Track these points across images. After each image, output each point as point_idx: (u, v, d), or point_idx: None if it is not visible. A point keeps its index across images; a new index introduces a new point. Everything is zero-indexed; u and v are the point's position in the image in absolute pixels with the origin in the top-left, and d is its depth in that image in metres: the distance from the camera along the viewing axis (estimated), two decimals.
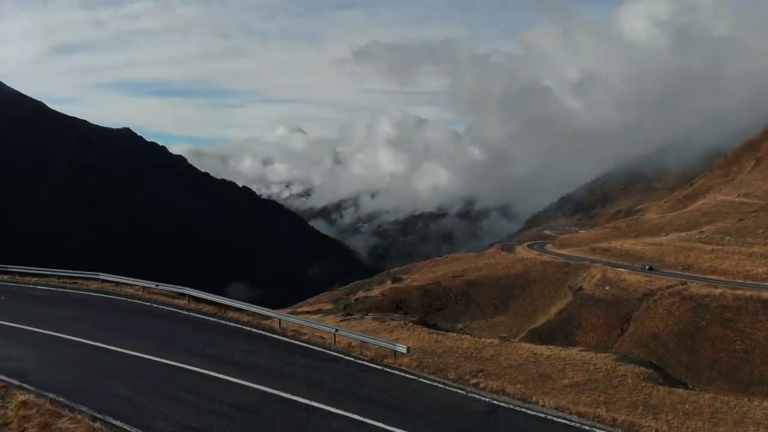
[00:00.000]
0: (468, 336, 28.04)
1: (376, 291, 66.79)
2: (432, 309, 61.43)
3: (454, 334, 26.47)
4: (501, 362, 17.74)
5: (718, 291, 46.90)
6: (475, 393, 10.91)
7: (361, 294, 66.35)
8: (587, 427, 9.47)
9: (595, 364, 18.77)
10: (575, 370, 17.62)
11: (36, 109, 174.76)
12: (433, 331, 25.63)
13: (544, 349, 22.00)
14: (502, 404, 10.53)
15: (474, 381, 11.65)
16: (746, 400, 18.54)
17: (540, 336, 49.07)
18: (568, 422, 9.67)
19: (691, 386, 28.07)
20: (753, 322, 43.02)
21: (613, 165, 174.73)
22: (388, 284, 70.54)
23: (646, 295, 50.43)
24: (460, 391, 11.10)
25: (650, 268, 57.28)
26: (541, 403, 10.62)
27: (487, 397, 10.79)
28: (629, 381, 17.16)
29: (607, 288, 54.56)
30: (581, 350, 23.91)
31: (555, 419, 9.80)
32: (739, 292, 46.04)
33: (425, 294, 64.61)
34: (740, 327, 43.25)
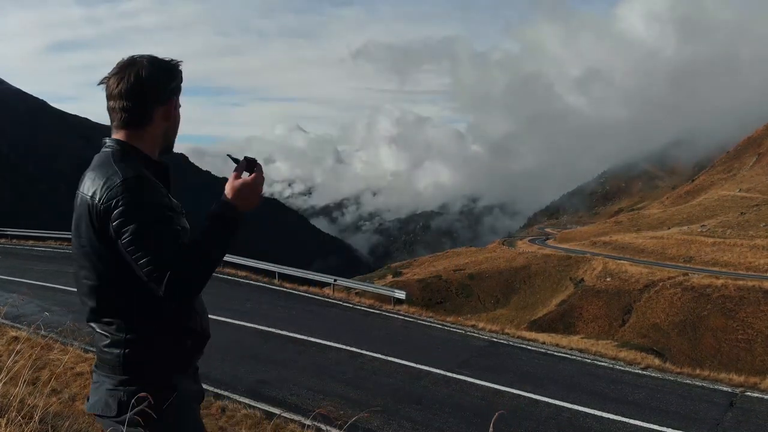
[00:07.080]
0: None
1: None
2: (433, 302, 61.11)
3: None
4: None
5: (720, 282, 46.71)
6: (473, 333, 10.83)
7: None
8: (588, 360, 9.35)
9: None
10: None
11: (37, 107, 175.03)
12: None
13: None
14: (501, 341, 10.43)
15: (472, 323, 11.58)
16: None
17: (541, 327, 48.80)
18: (569, 356, 9.55)
19: None
20: (755, 312, 42.85)
21: (616, 162, 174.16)
22: (389, 278, 70.23)
23: (648, 286, 50.29)
24: (458, 330, 11.02)
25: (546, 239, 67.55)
26: (540, 340, 10.54)
27: (486, 335, 10.71)
28: None
29: (608, 279, 54.39)
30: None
31: (555, 354, 9.68)
32: (740, 282, 45.82)
33: (426, 287, 64.36)
34: (742, 317, 43.08)
